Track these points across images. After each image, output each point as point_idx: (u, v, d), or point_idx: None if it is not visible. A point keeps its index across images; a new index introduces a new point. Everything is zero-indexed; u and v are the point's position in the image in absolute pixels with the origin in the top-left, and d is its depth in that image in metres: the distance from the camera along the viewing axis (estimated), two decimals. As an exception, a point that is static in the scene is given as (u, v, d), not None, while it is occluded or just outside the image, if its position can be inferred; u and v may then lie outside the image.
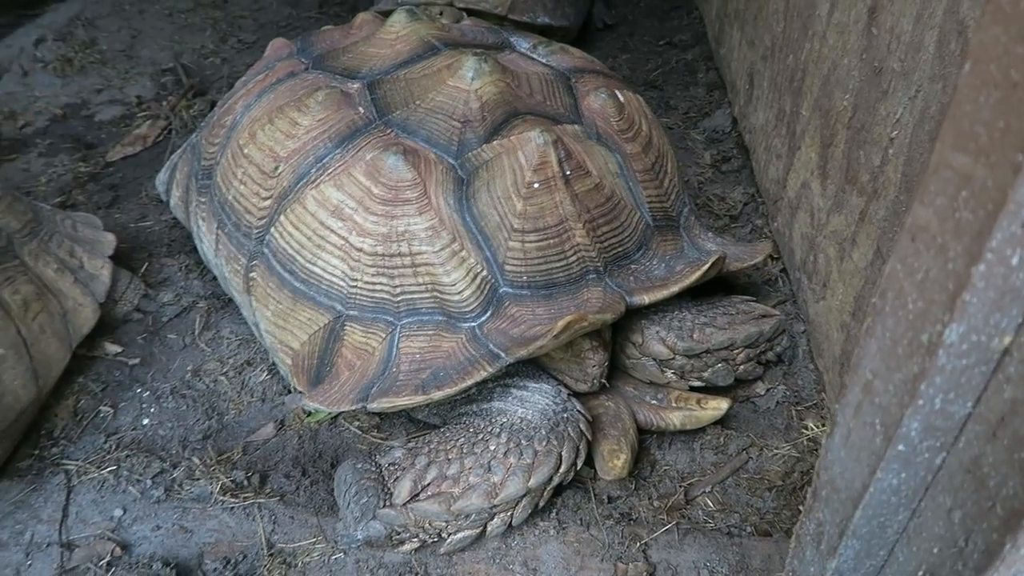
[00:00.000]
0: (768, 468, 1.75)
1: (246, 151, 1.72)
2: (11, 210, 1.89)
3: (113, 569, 1.47)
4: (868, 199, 1.61)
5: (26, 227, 1.90)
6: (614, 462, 1.55)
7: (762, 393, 1.91)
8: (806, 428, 1.81)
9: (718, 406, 1.71)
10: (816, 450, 1.77)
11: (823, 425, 1.81)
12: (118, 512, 1.61)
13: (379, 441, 1.77)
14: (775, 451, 1.78)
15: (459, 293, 1.52)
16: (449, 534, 1.46)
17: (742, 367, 1.80)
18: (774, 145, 2.35)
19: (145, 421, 1.83)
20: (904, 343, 0.60)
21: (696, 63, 3.52)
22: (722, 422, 1.79)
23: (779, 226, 2.28)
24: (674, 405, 1.72)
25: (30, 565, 1.51)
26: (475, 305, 1.53)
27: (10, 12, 4.06)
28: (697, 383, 1.76)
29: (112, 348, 2.00)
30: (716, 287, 1.98)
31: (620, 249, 1.67)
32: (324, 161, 1.61)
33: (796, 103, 2.13)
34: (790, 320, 2.05)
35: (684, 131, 3.05)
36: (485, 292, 1.53)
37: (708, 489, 1.70)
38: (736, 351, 1.75)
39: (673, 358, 1.67)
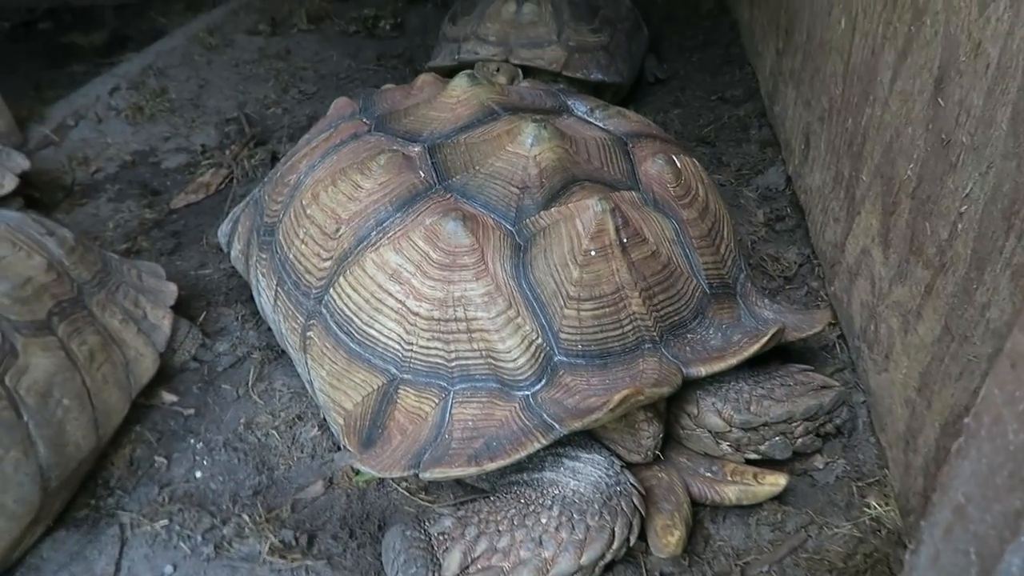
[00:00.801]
0: (828, 548, 1.67)
1: (308, 211, 1.76)
2: (83, 261, 1.97)
3: (162, 628, 1.47)
4: (935, 272, 1.56)
5: (95, 277, 1.97)
6: (668, 539, 1.50)
7: (821, 467, 1.84)
8: (868, 507, 1.74)
9: (776, 482, 1.65)
10: (879, 531, 1.69)
11: (886, 504, 1.73)
12: (168, 569, 1.62)
13: (427, 504, 1.76)
14: (835, 530, 1.70)
15: (513, 360, 1.52)
16: (498, 608, 1.43)
17: (800, 440, 1.74)
18: (832, 208, 2.31)
19: (198, 474, 1.85)
20: (1004, 474, 0.57)
21: (749, 119, 3.50)
22: (779, 496, 1.73)
23: (837, 291, 2.22)
24: (729, 479, 1.67)
25: (83, 619, 1.53)
26: (529, 373, 1.52)
27: (89, 61, 4.29)
28: (753, 456, 1.71)
29: (168, 397, 2.04)
30: (771, 354, 1.93)
31: (676, 318, 1.65)
32: (384, 224, 1.64)
33: (855, 167, 2.09)
34: (849, 390, 1.98)
35: (736, 188, 3.02)
36: (540, 360, 1.52)
37: (765, 569, 1.63)
38: (795, 424, 1.70)
39: (729, 430, 1.63)
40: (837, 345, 2.17)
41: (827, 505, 1.76)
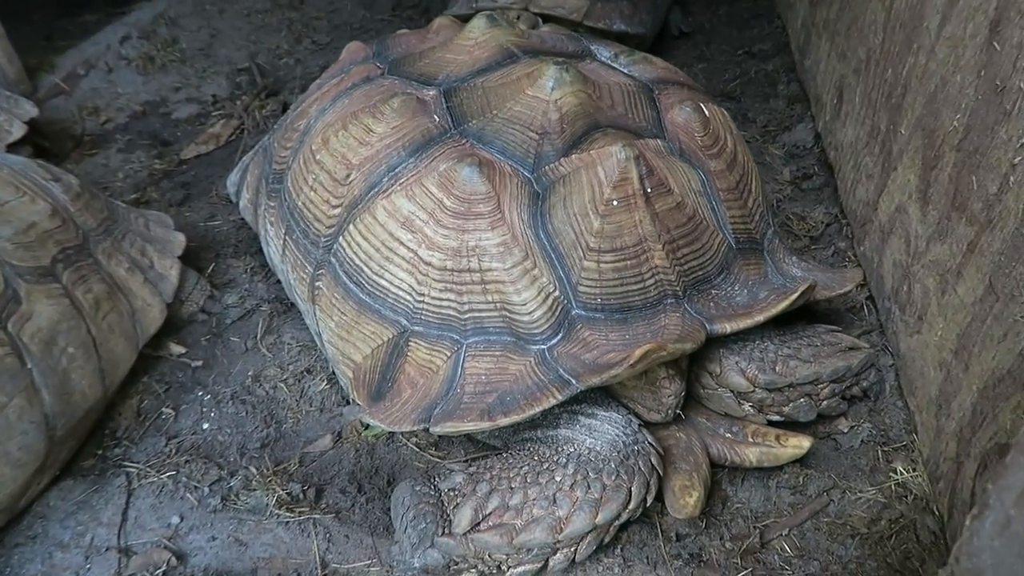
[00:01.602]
0: (851, 513, 1.62)
1: (318, 157, 1.69)
2: (89, 208, 1.91)
3: (168, 579, 1.45)
4: (980, 229, 1.47)
5: (101, 225, 1.92)
6: (686, 499, 1.45)
7: (845, 430, 1.78)
8: (894, 471, 1.68)
9: (799, 444, 1.59)
10: (905, 497, 1.63)
11: (914, 469, 1.67)
12: (175, 519, 1.59)
13: (437, 460, 1.72)
14: (859, 495, 1.65)
15: (529, 313, 1.45)
16: (509, 567, 1.39)
17: (825, 403, 1.67)
18: (864, 164, 2.21)
19: (205, 425, 1.82)
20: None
21: (776, 74, 3.37)
22: (800, 460, 1.67)
23: (866, 250, 2.13)
24: (750, 440, 1.61)
25: (89, 569, 1.51)
26: (546, 327, 1.45)
27: (100, 10, 4.19)
28: (776, 417, 1.65)
29: (176, 349, 2.01)
30: (797, 314, 1.86)
31: (700, 273, 1.57)
32: (396, 170, 1.57)
33: (894, 120, 1.98)
34: (877, 352, 1.91)
35: (762, 145, 2.91)
36: (557, 313, 1.46)
37: (785, 532, 1.58)
38: (821, 386, 1.63)
39: (753, 391, 1.56)
40: (865, 307, 2.09)
41: (851, 469, 1.70)
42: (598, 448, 1.44)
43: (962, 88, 1.60)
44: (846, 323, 2.02)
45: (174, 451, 1.75)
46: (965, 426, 1.47)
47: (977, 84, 1.53)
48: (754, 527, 1.59)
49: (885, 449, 1.73)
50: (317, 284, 1.66)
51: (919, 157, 1.80)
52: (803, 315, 1.88)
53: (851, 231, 2.31)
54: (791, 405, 1.61)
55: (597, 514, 1.35)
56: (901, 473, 1.66)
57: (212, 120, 3.17)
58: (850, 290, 1.75)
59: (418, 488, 1.46)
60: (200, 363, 1.99)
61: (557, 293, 1.46)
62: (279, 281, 2.12)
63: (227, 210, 2.58)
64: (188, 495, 1.64)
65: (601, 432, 1.47)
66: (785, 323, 1.75)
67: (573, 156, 1.54)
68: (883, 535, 1.56)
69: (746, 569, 1.48)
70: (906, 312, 1.81)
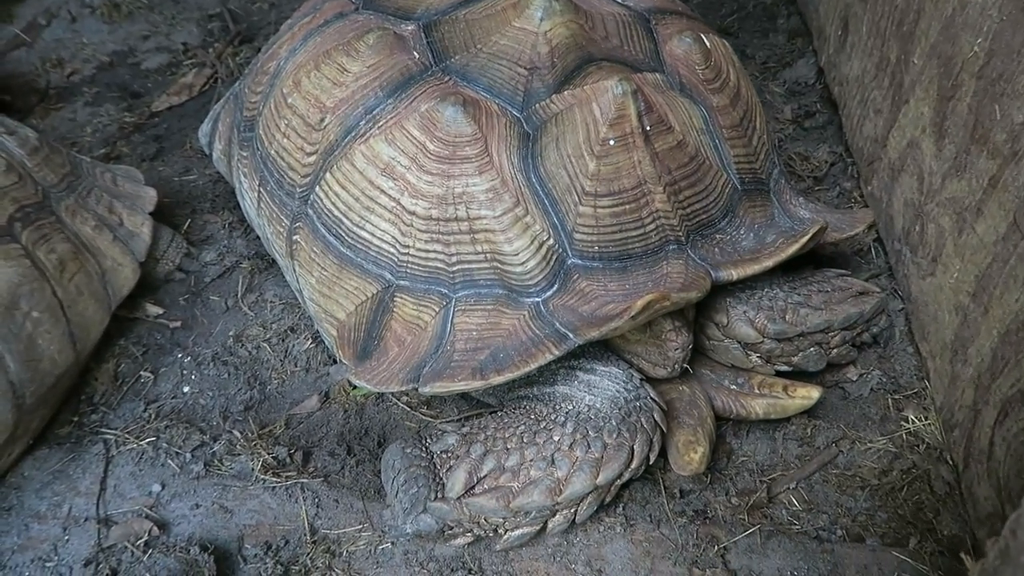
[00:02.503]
0: (861, 464, 1.56)
1: (290, 101, 1.57)
2: (48, 162, 1.79)
3: (150, 551, 1.38)
4: (1003, 162, 1.37)
5: (63, 181, 1.80)
6: (691, 455, 1.38)
7: (854, 379, 1.71)
8: (905, 420, 1.62)
9: (808, 395, 1.52)
10: (917, 446, 1.57)
11: (926, 418, 1.60)
12: (156, 487, 1.52)
13: (429, 419, 1.64)
14: (869, 445, 1.59)
15: (522, 264, 1.36)
16: (506, 530, 1.33)
17: (835, 351, 1.60)
18: (872, 98, 2.09)
19: (186, 389, 1.74)
20: None
21: (776, 7, 3.21)
22: (808, 410, 1.60)
23: (875, 190, 2.03)
24: (757, 392, 1.54)
25: (67, 540, 1.44)
26: (540, 278, 1.36)
27: (59, -45, 3.96)
28: (784, 368, 1.57)
29: (153, 310, 1.91)
30: (803, 259, 1.77)
31: (704, 216, 1.47)
32: (375, 112, 1.45)
33: (905, 50, 1.86)
34: (887, 296, 1.83)
35: (762, 83, 2.78)
36: (551, 263, 1.36)
37: (792, 485, 1.53)
38: (832, 334, 1.55)
39: (762, 341, 1.48)
40: (873, 249, 2.00)
41: (860, 419, 1.64)
42: (598, 405, 1.36)
43: (984, 9, 1.47)
44: (853, 267, 1.94)
45: (154, 416, 1.67)
46: (983, 372, 1.40)
47: (1001, 4, 1.41)
48: (761, 481, 1.53)
49: (896, 397, 1.66)
50: (295, 238, 1.56)
51: (934, 88, 1.68)
52: (809, 259, 1.79)
53: (857, 170, 2.20)
54: (800, 355, 1.53)
55: (598, 474, 1.28)
56: (913, 422, 1.60)
57: (184, 70, 3.01)
58: (860, 231, 1.66)
59: (409, 450, 1.38)
60: (179, 324, 1.90)
61: (551, 241, 1.36)
62: (260, 237, 2.02)
63: (202, 163, 2.46)
64: (169, 461, 1.57)
65: (601, 388, 1.39)
66: (792, 268, 1.66)
67: (566, 93, 1.42)
68: (894, 486, 1.51)
69: (753, 525, 1.42)
70: (918, 254, 1.73)
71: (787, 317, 1.47)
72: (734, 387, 1.56)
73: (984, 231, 1.43)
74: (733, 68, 1.66)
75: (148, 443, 1.60)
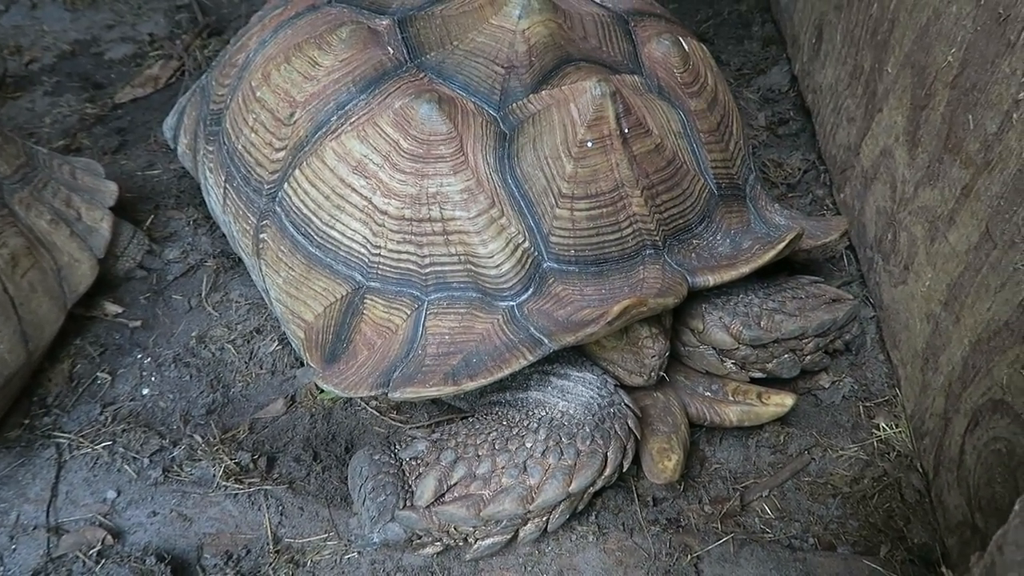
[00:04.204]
0: (833, 471, 1.56)
1: (259, 94, 1.52)
2: (1, 152, 1.71)
3: (103, 561, 1.32)
4: (976, 171, 1.38)
5: (17, 172, 1.72)
6: (665, 463, 1.36)
7: (826, 386, 1.71)
8: (877, 428, 1.62)
9: (782, 402, 1.51)
10: (888, 454, 1.57)
11: (897, 426, 1.61)
12: (111, 494, 1.46)
13: (399, 424, 1.60)
14: (840, 452, 1.58)
15: (497, 267, 1.32)
16: (476, 539, 1.30)
17: (809, 357, 1.60)
18: (846, 107, 2.10)
19: (145, 391, 1.67)
20: None
21: (751, 14, 3.23)
22: (781, 417, 1.59)
23: (847, 197, 2.04)
24: (731, 398, 1.53)
25: (14, 550, 1.38)
26: (515, 281, 1.33)
27: (19, -60, 3.83)
28: (758, 375, 1.56)
29: (112, 308, 1.84)
30: (777, 266, 1.76)
31: (681, 221, 1.46)
32: (347, 108, 1.41)
33: (879, 59, 1.87)
34: (859, 304, 1.83)
35: (736, 89, 2.78)
36: (527, 266, 1.33)
37: (765, 493, 1.52)
38: (806, 340, 1.54)
39: (737, 348, 1.47)
40: (845, 256, 2.01)
41: (832, 426, 1.64)
42: (571, 411, 1.34)
43: (958, 20, 1.48)
44: (825, 274, 1.94)
45: (110, 419, 1.61)
46: (955, 381, 1.40)
47: (976, 15, 1.42)
48: (734, 489, 1.52)
49: (867, 405, 1.66)
50: (262, 236, 1.51)
51: (907, 97, 1.69)
52: (783, 266, 1.79)
53: (830, 178, 2.21)
54: (775, 361, 1.53)
55: (571, 482, 1.26)
56: (884, 429, 1.60)
57: (149, 61, 2.92)
58: (835, 239, 1.66)
59: (377, 457, 1.34)
60: (139, 323, 1.83)
61: (527, 244, 1.34)
62: (225, 235, 1.96)
63: (167, 158, 2.38)
64: (126, 467, 1.51)
65: (575, 394, 1.36)
66: (767, 275, 1.65)
67: (543, 92, 1.39)
68: (866, 494, 1.50)
69: (726, 534, 1.41)
70: (890, 262, 1.73)
71: (762, 323, 1.46)
72: (708, 394, 1.55)
73: (956, 240, 1.44)
74: (711, 72, 1.65)
75: (103, 447, 1.54)
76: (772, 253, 1.41)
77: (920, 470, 1.52)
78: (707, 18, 3.24)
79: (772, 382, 1.59)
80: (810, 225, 1.66)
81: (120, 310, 1.85)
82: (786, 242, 1.42)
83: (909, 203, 1.65)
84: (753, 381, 1.57)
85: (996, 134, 1.32)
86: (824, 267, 2.00)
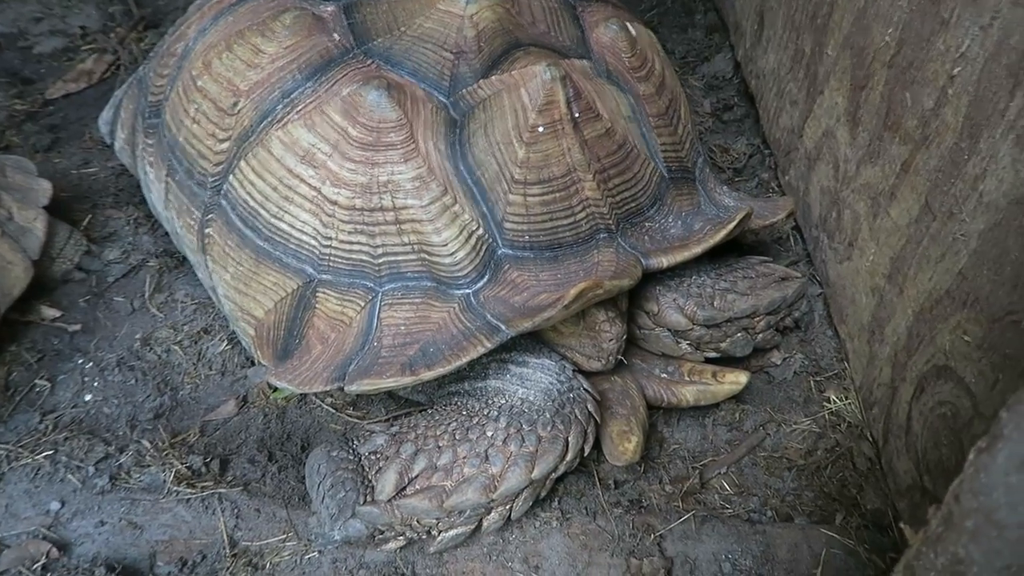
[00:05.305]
0: (787, 445, 1.59)
1: (200, 83, 1.47)
2: (-79, 152, 1.62)
3: (49, 575, 1.26)
4: (915, 147, 1.42)
5: (-60, 172, 1.63)
6: (625, 446, 1.37)
7: (778, 363, 1.75)
8: (827, 401, 1.66)
9: (736, 380, 1.53)
10: (839, 425, 1.62)
11: (846, 397, 1.65)
12: (55, 505, 1.40)
13: (355, 420, 1.58)
14: (794, 426, 1.62)
15: (451, 255, 1.31)
16: (440, 531, 1.29)
17: (761, 335, 1.63)
18: (788, 91, 2.14)
19: (87, 397, 1.61)
20: None
21: (693, 3, 3.27)
22: (736, 395, 1.62)
23: (791, 179, 2.09)
24: (687, 379, 1.55)
25: (-49, 569, 1.31)
26: (470, 269, 1.32)
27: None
28: (713, 354, 1.59)
29: (49, 312, 1.76)
30: (726, 247, 1.79)
31: (633, 204, 1.46)
32: (292, 96, 1.37)
33: (819, 42, 1.91)
34: (806, 281, 1.88)
35: (682, 77, 2.82)
36: (481, 254, 1.32)
37: (723, 470, 1.54)
38: (757, 319, 1.57)
39: (692, 328, 1.49)
40: (791, 236, 2.05)
41: (785, 401, 1.68)
42: (531, 398, 1.33)
43: (894, 1, 1.52)
44: (773, 254, 1.98)
45: (51, 428, 1.54)
46: (900, 350, 1.45)
47: (911, -4, 1.46)
48: (693, 468, 1.54)
49: (817, 379, 1.71)
50: (207, 231, 1.46)
51: (847, 78, 1.73)
52: (732, 247, 1.82)
53: (775, 161, 2.26)
54: (728, 340, 1.55)
55: (533, 468, 1.25)
56: (834, 402, 1.64)
57: (82, 55, 2.81)
58: (782, 218, 1.69)
59: (335, 453, 1.32)
60: (79, 327, 1.76)
61: (481, 231, 1.32)
62: (167, 232, 1.89)
63: (104, 155, 2.29)
64: (70, 476, 1.45)
65: (534, 381, 1.36)
66: (717, 256, 1.67)
67: (493, 78, 1.38)
68: (819, 465, 1.54)
69: (687, 512, 1.42)
70: (835, 239, 1.78)
71: (715, 303, 1.48)
72: (665, 375, 1.56)
73: (898, 214, 1.48)
74: (658, 57, 1.66)
75: (45, 457, 1.47)
76: (723, 232, 1.43)
77: (870, 439, 1.56)
78: (651, 7, 3.27)
79: (726, 361, 1.62)
80: (758, 206, 1.68)
81: (58, 314, 1.77)
82: (736, 221, 1.44)
83: (852, 181, 1.69)
84: (708, 361, 1.59)
85: (933, 110, 1.36)
86: (771, 247, 2.04)
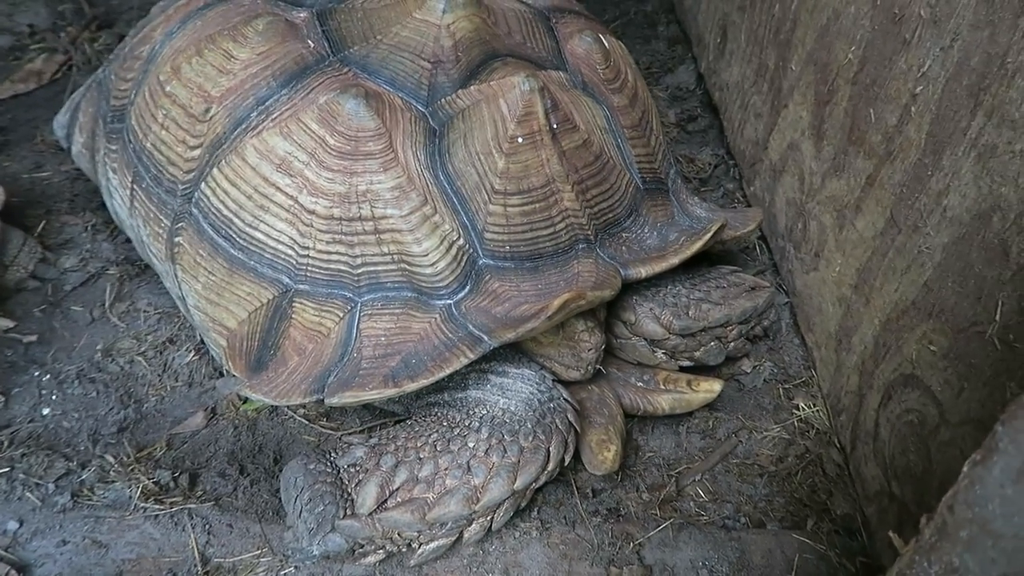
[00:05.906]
0: (759, 452, 1.62)
1: (168, 89, 1.43)
2: None
3: (8, 598, 1.21)
4: (879, 162, 1.47)
5: None
6: (604, 454, 1.38)
7: (748, 371, 1.78)
8: (796, 408, 1.70)
9: (711, 388, 1.56)
10: (808, 432, 1.65)
11: (814, 405, 1.69)
12: (13, 524, 1.34)
13: (329, 432, 1.55)
14: (765, 433, 1.65)
15: (432, 265, 1.30)
16: (420, 544, 1.27)
17: (732, 344, 1.66)
18: (752, 103, 2.19)
19: (45, 411, 1.54)
20: None
21: (656, 15, 3.32)
22: (709, 403, 1.64)
23: (757, 190, 2.13)
24: (663, 387, 1.57)
25: (-100, 595, 1.24)
26: (451, 279, 1.31)
27: None
28: (687, 363, 1.61)
29: (2, 323, 1.69)
30: (698, 257, 1.82)
31: (611, 215, 1.48)
32: (267, 104, 1.34)
33: (783, 57, 1.96)
34: (775, 291, 1.92)
35: (647, 87, 2.86)
36: (462, 264, 1.32)
37: (698, 477, 1.56)
38: (730, 328, 1.60)
39: (667, 337, 1.50)
40: (757, 247, 2.10)
41: (755, 409, 1.71)
42: (512, 408, 1.33)
43: (856, 19, 1.58)
44: (740, 264, 2.02)
45: (7, 443, 1.47)
46: (867, 359, 1.49)
47: (873, 15, 1.51)
48: (668, 475, 1.55)
49: (786, 387, 1.74)
50: (177, 240, 1.42)
51: (811, 93, 1.78)
52: (703, 258, 1.85)
53: (740, 171, 2.31)
54: (702, 349, 1.57)
55: (516, 479, 1.25)
56: (803, 409, 1.68)
57: (31, 55, 2.70)
58: (753, 229, 1.73)
59: (312, 466, 1.29)
60: (34, 338, 1.69)
61: (461, 241, 1.32)
62: (129, 239, 1.83)
63: (57, 158, 2.21)
64: (28, 494, 1.39)
65: (514, 391, 1.36)
66: (690, 266, 1.70)
67: (472, 88, 1.38)
68: (790, 471, 1.58)
69: (665, 520, 1.44)
70: (801, 250, 1.82)
71: (691, 313, 1.50)
72: (641, 384, 1.58)
73: (863, 227, 1.53)
74: (630, 69, 1.68)
75: (1, 475, 1.41)
76: (699, 244, 1.46)
77: (838, 445, 1.60)
78: (614, 18, 3.31)
79: (699, 370, 1.64)
80: (729, 216, 1.72)
81: (11, 324, 1.70)
82: (711, 232, 1.46)
83: (817, 193, 1.74)
84: (682, 370, 1.61)
85: (896, 126, 1.41)
86: (739, 257, 2.08)
